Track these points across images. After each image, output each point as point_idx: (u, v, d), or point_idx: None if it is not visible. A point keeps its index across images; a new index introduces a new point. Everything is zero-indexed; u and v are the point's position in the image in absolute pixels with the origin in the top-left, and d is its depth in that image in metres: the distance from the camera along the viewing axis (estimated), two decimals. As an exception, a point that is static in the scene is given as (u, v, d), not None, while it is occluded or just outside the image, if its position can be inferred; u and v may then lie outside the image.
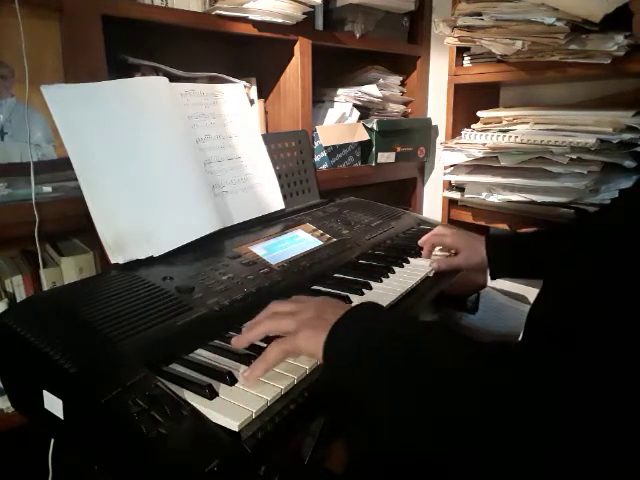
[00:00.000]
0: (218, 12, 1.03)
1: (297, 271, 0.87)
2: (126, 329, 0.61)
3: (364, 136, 1.38)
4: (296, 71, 1.22)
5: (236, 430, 0.50)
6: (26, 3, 0.80)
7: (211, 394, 0.54)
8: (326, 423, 0.97)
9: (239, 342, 0.61)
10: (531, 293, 1.50)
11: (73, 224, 0.85)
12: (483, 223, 1.38)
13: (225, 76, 1.16)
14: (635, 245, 0.50)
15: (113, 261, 0.76)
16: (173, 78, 0.98)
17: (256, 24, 1.09)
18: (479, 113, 1.35)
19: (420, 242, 1.03)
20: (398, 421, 0.50)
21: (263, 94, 1.29)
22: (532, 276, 1.04)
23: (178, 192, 0.86)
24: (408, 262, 0.97)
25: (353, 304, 0.60)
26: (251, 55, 1.31)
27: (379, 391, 0.51)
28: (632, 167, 1.10)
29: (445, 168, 1.40)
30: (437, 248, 1.04)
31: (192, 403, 0.52)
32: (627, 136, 1.05)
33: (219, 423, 0.51)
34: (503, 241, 1.00)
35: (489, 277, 0.98)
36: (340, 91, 1.40)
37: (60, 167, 0.85)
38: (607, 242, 0.58)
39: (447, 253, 1.02)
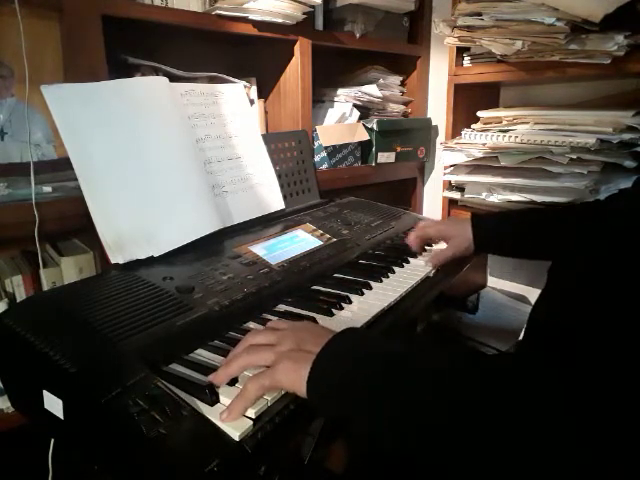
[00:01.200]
0: (218, 12, 1.03)
1: (297, 271, 0.87)
2: (126, 329, 0.61)
3: (364, 136, 1.38)
4: (296, 71, 1.22)
5: (237, 440, 0.49)
6: (26, 3, 0.80)
7: (211, 394, 0.54)
8: (326, 423, 0.97)
9: (218, 379, 0.55)
10: (531, 293, 1.51)
11: (73, 224, 0.85)
12: (483, 223, 1.38)
13: (225, 76, 1.16)
14: (635, 245, 0.50)
15: (113, 261, 0.76)
16: (173, 78, 0.98)
17: (256, 24, 1.09)
18: (479, 113, 1.35)
19: (408, 242, 1.01)
20: (389, 444, 0.49)
21: (263, 94, 1.29)
22: (518, 253, 1.01)
23: (178, 192, 0.86)
24: (408, 262, 0.97)
25: (335, 331, 0.55)
26: (251, 55, 1.31)
27: (371, 423, 0.49)
28: (632, 167, 1.10)
29: (445, 168, 1.40)
30: (436, 246, 1.03)
31: (192, 403, 0.52)
32: (627, 136, 1.05)
33: (218, 424, 0.51)
34: (488, 217, 0.99)
35: (474, 249, 0.96)
36: (340, 91, 1.40)
37: (60, 167, 0.84)
38: (607, 242, 0.58)
39: (440, 246, 1.01)
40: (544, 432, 0.39)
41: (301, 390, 0.51)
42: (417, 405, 0.45)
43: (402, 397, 0.46)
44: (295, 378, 0.51)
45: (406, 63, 1.57)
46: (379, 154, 1.42)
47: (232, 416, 0.50)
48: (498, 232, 0.95)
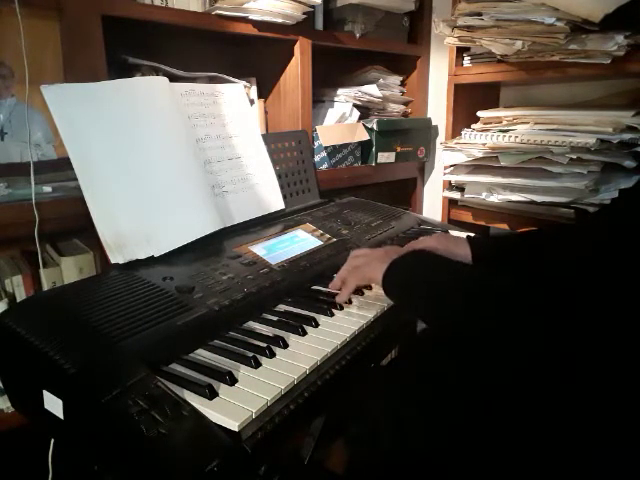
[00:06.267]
0: (218, 12, 1.03)
1: (297, 271, 0.87)
2: (126, 329, 0.61)
3: (364, 136, 1.38)
4: (296, 71, 1.22)
5: (236, 430, 0.50)
6: (26, 3, 0.80)
7: (211, 394, 0.54)
8: (326, 423, 0.97)
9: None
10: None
11: (73, 224, 0.85)
12: (483, 223, 1.38)
13: (225, 76, 1.16)
14: (636, 244, 0.51)
15: (113, 261, 0.76)
16: (173, 78, 0.98)
17: (256, 24, 1.09)
18: (479, 113, 1.35)
19: None
20: (435, 322, 0.67)
21: (263, 94, 1.29)
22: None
23: (178, 192, 0.86)
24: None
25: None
26: (251, 55, 1.31)
27: (421, 302, 0.68)
28: (632, 167, 1.10)
29: (445, 168, 1.40)
30: None
31: (192, 403, 0.52)
32: (627, 136, 1.05)
33: (219, 423, 0.51)
34: (488, 244, 0.92)
35: None
36: (340, 91, 1.39)
37: (60, 167, 0.84)
38: (608, 242, 0.58)
39: None
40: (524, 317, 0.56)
41: (378, 279, 0.72)
42: (449, 298, 0.64)
43: (438, 291, 0.66)
44: (376, 271, 0.73)
45: (406, 63, 1.57)
46: (379, 154, 1.42)
47: (343, 298, 0.77)
48: (499, 248, 0.88)
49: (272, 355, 0.63)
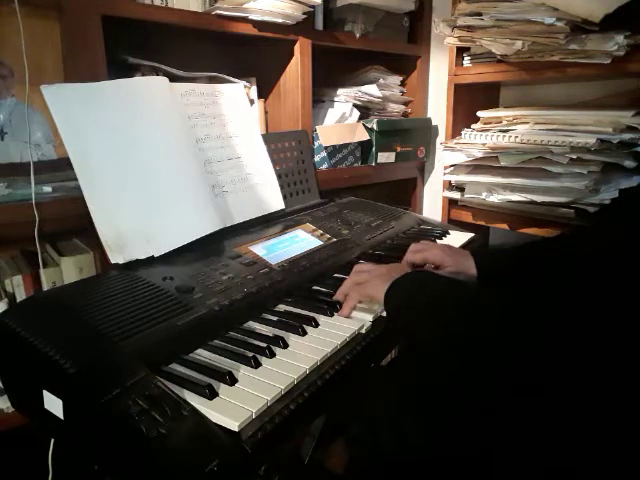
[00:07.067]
0: (218, 12, 1.03)
1: (297, 271, 0.87)
2: (126, 329, 0.61)
3: (364, 136, 1.38)
4: (296, 71, 1.22)
5: (236, 430, 0.50)
6: (26, 3, 0.80)
7: (211, 394, 0.54)
8: (326, 423, 0.97)
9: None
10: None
11: (73, 224, 0.85)
12: (483, 223, 1.38)
13: (225, 76, 1.16)
14: (636, 246, 0.51)
15: (113, 261, 0.76)
16: (173, 78, 0.98)
17: (256, 24, 1.09)
18: (479, 113, 1.35)
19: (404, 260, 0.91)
20: (436, 342, 0.66)
21: (263, 94, 1.29)
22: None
23: (178, 192, 0.86)
24: (408, 262, 0.97)
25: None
26: (251, 55, 1.31)
27: (422, 323, 0.67)
28: (632, 167, 1.10)
29: (445, 168, 1.40)
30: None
31: (192, 403, 0.52)
32: (627, 136, 1.05)
33: (219, 423, 0.51)
34: (494, 260, 0.89)
35: None
36: (340, 91, 1.39)
37: (60, 167, 0.84)
38: (608, 244, 0.58)
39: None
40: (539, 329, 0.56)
41: (380, 298, 0.72)
42: (451, 318, 0.64)
43: (439, 312, 0.66)
44: (378, 290, 0.72)
45: (406, 63, 1.57)
46: (379, 154, 1.42)
47: (345, 313, 0.76)
48: (502, 261, 0.86)
49: (272, 355, 0.63)
